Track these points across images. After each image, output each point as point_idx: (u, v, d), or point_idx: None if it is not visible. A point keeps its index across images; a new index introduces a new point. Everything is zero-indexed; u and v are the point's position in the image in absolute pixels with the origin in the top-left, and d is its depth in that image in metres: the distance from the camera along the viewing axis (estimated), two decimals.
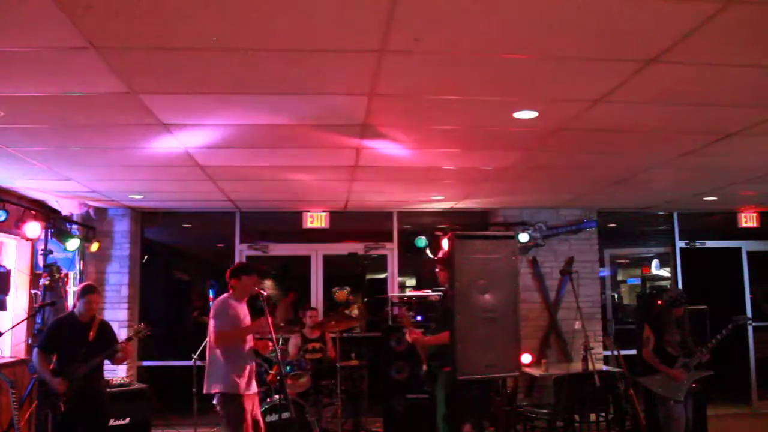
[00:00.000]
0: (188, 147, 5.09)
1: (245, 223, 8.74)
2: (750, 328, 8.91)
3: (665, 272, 9.96)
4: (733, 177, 6.57)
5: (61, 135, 4.77)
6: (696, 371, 5.70)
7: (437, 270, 5.43)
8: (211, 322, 5.15)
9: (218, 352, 5.08)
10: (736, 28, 2.97)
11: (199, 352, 6.90)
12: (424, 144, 5.15)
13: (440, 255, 5.49)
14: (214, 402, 5.13)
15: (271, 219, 8.90)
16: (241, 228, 8.72)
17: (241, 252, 8.71)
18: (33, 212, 6.89)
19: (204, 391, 5.19)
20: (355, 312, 9.35)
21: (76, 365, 5.24)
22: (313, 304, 8.71)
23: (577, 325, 6.54)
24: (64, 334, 5.32)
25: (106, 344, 5.43)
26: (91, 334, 5.37)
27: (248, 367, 5.17)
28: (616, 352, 7.21)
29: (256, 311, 5.61)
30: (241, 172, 6.17)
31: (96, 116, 4.30)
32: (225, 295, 5.28)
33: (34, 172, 5.84)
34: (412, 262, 9.25)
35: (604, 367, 7.69)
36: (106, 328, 5.55)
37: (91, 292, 5.43)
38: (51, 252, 7.12)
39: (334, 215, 8.57)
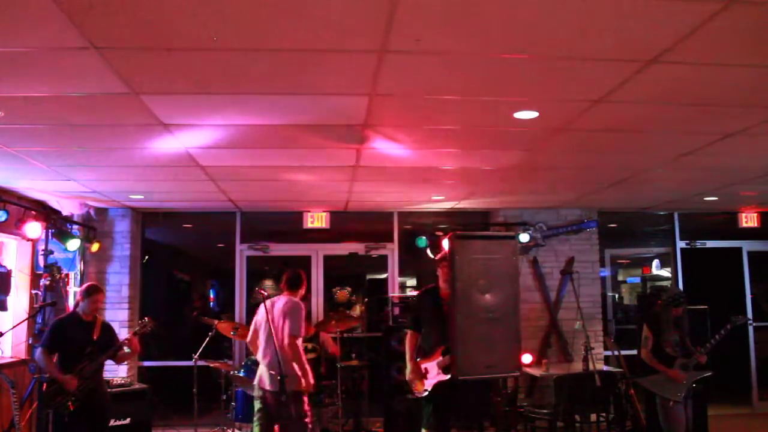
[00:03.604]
0: (188, 147, 5.09)
1: (246, 223, 8.74)
2: (750, 329, 8.90)
3: (666, 272, 9.96)
4: (734, 177, 6.56)
5: (61, 135, 4.77)
6: (695, 371, 5.69)
7: (444, 265, 5.22)
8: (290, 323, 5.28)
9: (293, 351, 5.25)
10: (737, 28, 2.97)
11: (199, 352, 6.90)
12: (424, 144, 5.15)
13: (439, 256, 5.42)
14: (284, 400, 5.05)
15: (271, 219, 8.91)
16: (242, 228, 8.72)
17: (242, 252, 8.72)
18: (33, 212, 6.89)
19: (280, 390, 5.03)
20: (357, 312, 9.36)
21: (82, 364, 5.27)
22: (313, 305, 8.72)
23: (578, 325, 6.53)
24: (68, 334, 5.35)
25: (108, 344, 5.52)
26: (95, 333, 5.43)
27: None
28: (616, 352, 7.21)
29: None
30: (242, 172, 6.17)
31: (96, 116, 4.30)
32: (297, 299, 5.49)
33: (34, 172, 5.84)
34: (412, 262, 9.24)
35: (605, 368, 7.69)
36: (108, 329, 5.63)
37: (96, 292, 5.50)
38: (51, 252, 7.12)
39: (334, 215, 8.57)
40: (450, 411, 5.02)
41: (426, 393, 5.10)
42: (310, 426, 5.37)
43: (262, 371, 5.36)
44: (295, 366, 5.22)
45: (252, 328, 5.56)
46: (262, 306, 5.45)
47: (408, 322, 5.57)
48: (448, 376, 4.99)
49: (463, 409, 5.01)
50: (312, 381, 5.40)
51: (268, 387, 5.27)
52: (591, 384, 5.72)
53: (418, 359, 5.23)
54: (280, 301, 5.50)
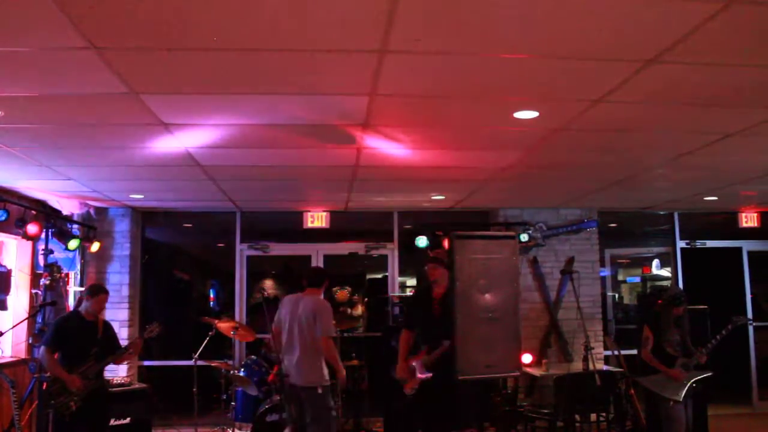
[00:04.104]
0: (188, 147, 5.09)
1: (246, 223, 8.74)
2: (750, 328, 8.90)
3: (666, 272, 9.96)
4: (734, 177, 6.56)
5: (62, 135, 4.77)
6: (695, 371, 5.69)
7: (433, 268, 5.29)
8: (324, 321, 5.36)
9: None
10: (737, 28, 2.97)
11: (199, 351, 6.90)
12: (424, 144, 5.15)
13: (435, 255, 5.43)
14: (321, 392, 5.25)
15: (271, 219, 8.91)
16: (242, 228, 8.72)
17: (242, 252, 8.72)
18: (34, 212, 6.90)
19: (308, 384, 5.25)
20: (360, 311, 9.35)
21: (87, 364, 5.28)
22: None
23: (578, 324, 6.53)
24: (71, 333, 5.37)
25: (110, 343, 5.57)
26: (98, 333, 5.45)
27: None
28: (616, 352, 7.21)
29: (257, 312, 5.65)
30: (241, 172, 6.17)
31: (96, 116, 4.30)
32: (321, 296, 5.58)
33: (34, 171, 5.84)
34: (412, 262, 9.24)
35: (605, 367, 7.69)
36: (109, 328, 5.65)
37: (103, 292, 5.54)
38: (52, 252, 7.12)
39: (334, 215, 8.57)
40: (441, 411, 5.01)
41: (414, 391, 5.14)
42: (335, 417, 5.45)
43: (289, 368, 5.33)
44: (323, 362, 5.30)
45: (275, 324, 5.50)
46: (284, 302, 5.52)
47: (404, 321, 5.61)
48: (431, 375, 5.02)
49: (456, 409, 5.00)
50: (344, 372, 5.54)
51: (297, 383, 5.26)
52: (591, 384, 5.72)
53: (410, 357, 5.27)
54: (306, 300, 5.45)
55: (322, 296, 5.62)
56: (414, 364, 5.19)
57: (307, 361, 5.26)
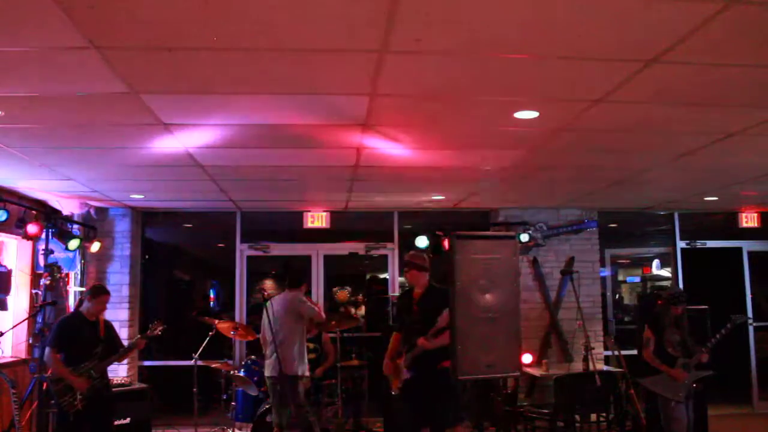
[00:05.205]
0: (188, 147, 5.09)
1: (246, 223, 8.74)
2: (750, 328, 8.90)
3: (666, 272, 9.96)
4: (734, 177, 6.56)
5: (61, 135, 4.77)
6: (696, 371, 5.69)
7: (406, 271, 5.27)
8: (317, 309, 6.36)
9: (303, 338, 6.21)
10: (737, 28, 2.97)
11: (199, 351, 6.90)
12: (424, 144, 5.15)
13: (407, 258, 5.41)
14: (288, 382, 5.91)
15: (271, 219, 8.91)
16: (242, 228, 8.72)
17: (242, 252, 8.72)
18: (34, 212, 6.90)
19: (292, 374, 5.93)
20: (363, 311, 9.35)
21: (91, 363, 5.28)
22: None
23: (578, 325, 6.53)
24: (76, 333, 5.38)
25: (113, 343, 5.58)
26: (101, 332, 5.45)
27: None
28: (616, 352, 7.20)
29: (257, 312, 5.76)
30: (242, 172, 6.17)
31: (96, 116, 4.30)
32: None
33: (34, 172, 5.84)
34: None
35: (605, 367, 7.69)
36: (111, 327, 5.67)
37: (104, 293, 5.56)
38: (52, 252, 7.12)
39: (334, 215, 8.57)
40: (421, 409, 5.00)
41: (399, 391, 5.20)
42: (305, 410, 6.03)
43: (273, 360, 5.92)
44: (293, 354, 5.97)
45: (263, 325, 6.15)
46: (269, 304, 6.08)
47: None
48: (410, 375, 5.06)
49: (436, 408, 4.98)
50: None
51: (271, 373, 5.98)
52: (591, 384, 5.72)
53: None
54: (282, 298, 6.23)
55: (301, 294, 6.35)
56: (400, 363, 5.23)
57: (284, 353, 5.88)
